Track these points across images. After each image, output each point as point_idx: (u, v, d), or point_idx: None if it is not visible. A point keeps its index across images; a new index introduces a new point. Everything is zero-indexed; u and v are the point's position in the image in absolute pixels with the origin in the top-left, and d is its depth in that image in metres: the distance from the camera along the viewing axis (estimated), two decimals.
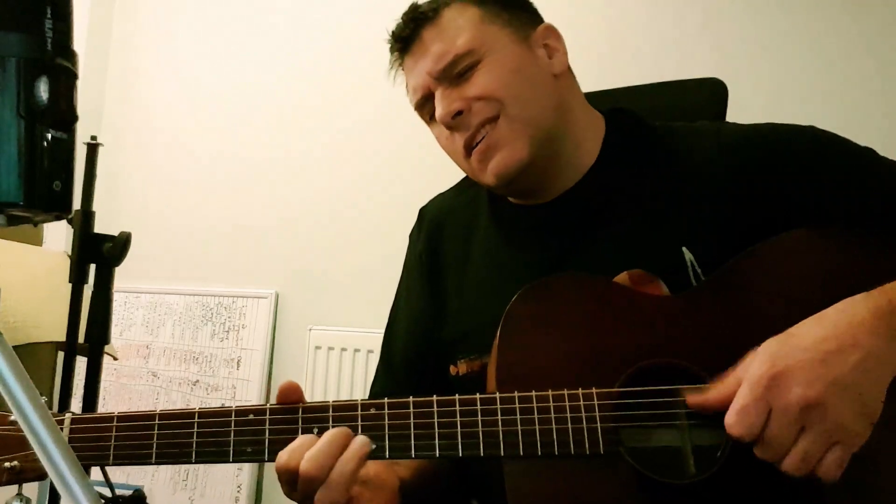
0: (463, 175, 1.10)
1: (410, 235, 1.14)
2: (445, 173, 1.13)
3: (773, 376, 0.72)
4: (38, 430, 0.47)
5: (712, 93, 1.16)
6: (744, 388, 0.73)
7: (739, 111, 1.03)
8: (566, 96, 0.97)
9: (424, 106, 0.97)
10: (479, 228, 1.04)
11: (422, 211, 1.14)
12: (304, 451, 0.76)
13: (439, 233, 1.09)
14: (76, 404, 1.13)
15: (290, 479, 0.76)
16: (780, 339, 0.75)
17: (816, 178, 0.88)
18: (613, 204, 0.95)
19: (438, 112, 0.93)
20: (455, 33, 0.93)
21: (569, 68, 1.00)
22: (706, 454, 0.78)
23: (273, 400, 0.81)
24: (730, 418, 0.73)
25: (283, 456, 0.77)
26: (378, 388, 1.08)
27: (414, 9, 0.97)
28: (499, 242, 1.02)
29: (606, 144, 0.98)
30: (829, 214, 0.87)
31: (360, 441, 0.77)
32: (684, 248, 0.88)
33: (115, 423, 0.80)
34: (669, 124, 1.00)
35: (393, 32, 0.99)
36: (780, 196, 0.88)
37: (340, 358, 2.08)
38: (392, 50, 1.00)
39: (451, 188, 1.15)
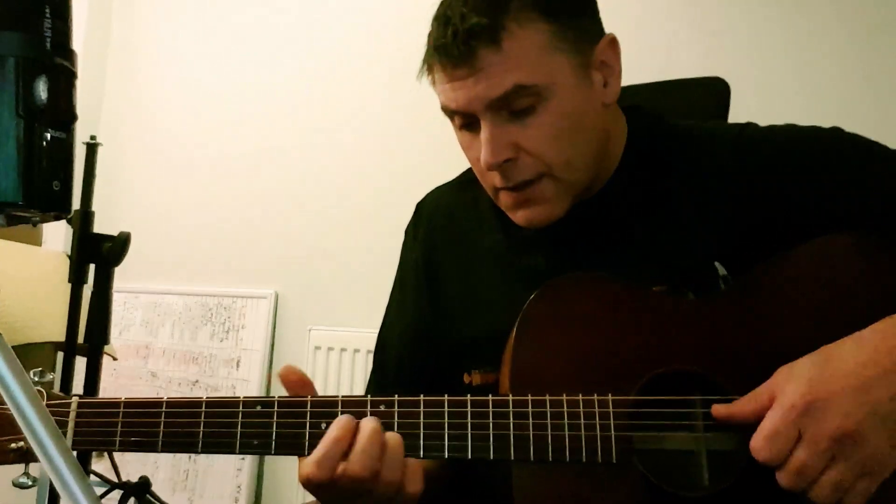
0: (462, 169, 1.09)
1: (406, 231, 1.09)
2: (447, 174, 1.12)
3: (808, 402, 0.69)
4: (38, 431, 0.46)
5: (715, 92, 1.15)
6: (776, 411, 0.70)
7: (742, 110, 1.03)
8: (608, 124, 0.91)
9: (457, 115, 0.87)
10: (483, 230, 1.00)
11: (419, 206, 1.09)
12: (339, 456, 0.74)
13: (438, 232, 1.05)
14: None
15: (329, 484, 0.75)
16: (816, 361, 0.72)
17: (843, 185, 0.85)
18: (633, 213, 0.91)
19: (486, 155, 0.83)
20: (519, 60, 0.81)
21: None
22: (720, 460, 0.77)
23: None
24: (757, 442, 0.71)
25: (325, 463, 0.74)
26: (370, 393, 1.04)
27: (469, 19, 0.80)
28: (507, 247, 0.97)
29: (628, 150, 0.94)
30: (855, 221, 0.83)
31: (394, 435, 0.77)
32: (717, 263, 0.84)
33: (121, 409, 0.79)
34: (688, 126, 0.96)
35: (441, 41, 0.83)
36: (806, 204, 0.85)
37: (340, 358, 2.08)
38: (436, 56, 0.85)
39: (451, 182, 1.09)
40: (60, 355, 1.78)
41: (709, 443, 0.77)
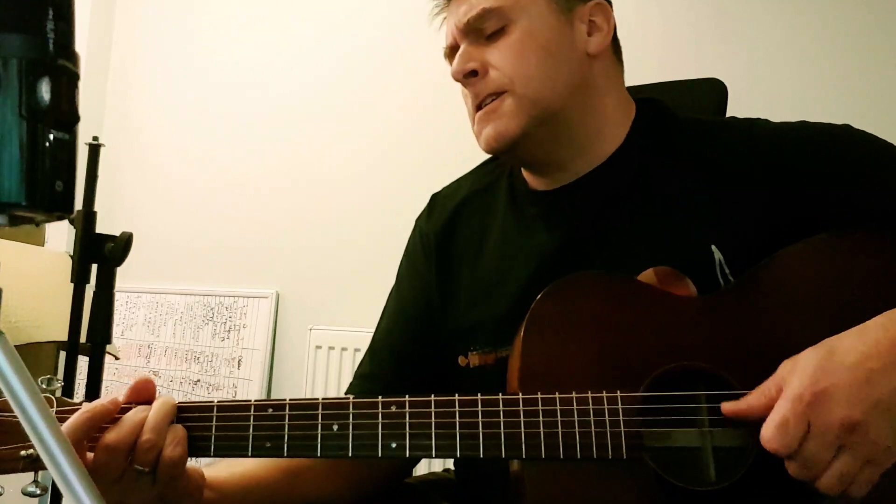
0: (467, 168, 1.09)
1: (417, 220, 1.10)
2: (447, 173, 1.12)
3: (815, 393, 0.70)
4: (41, 430, 0.47)
5: (712, 93, 1.15)
6: (784, 402, 0.71)
7: (739, 111, 1.03)
8: (596, 78, 0.94)
9: (451, 55, 0.96)
10: (496, 217, 1.01)
11: (434, 196, 1.10)
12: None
13: (453, 220, 1.05)
14: None
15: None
16: (821, 353, 0.72)
17: (850, 181, 0.86)
18: (635, 194, 0.92)
19: (453, 67, 0.93)
20: None
21: (611, 52, 0.97)
22: (727, 456, 0.77)
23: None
24: (767, 432, 0.71)
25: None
26: (360, 371, 1.05)
27: None
28: (514, 230, 0.98)
29: (632, 132, 0.95)
30: (861, 217, 0.83)
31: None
32: (713, 247, 0.85)
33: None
34: (698, 118, 0.98)
35: None
36: (812, 198, 0.86)
37: (340, 358, 2.08)
38: None
39: (468, 173, 1.11)
40: (63, 354, 1.78)
41: (715, 439, 0.78)
